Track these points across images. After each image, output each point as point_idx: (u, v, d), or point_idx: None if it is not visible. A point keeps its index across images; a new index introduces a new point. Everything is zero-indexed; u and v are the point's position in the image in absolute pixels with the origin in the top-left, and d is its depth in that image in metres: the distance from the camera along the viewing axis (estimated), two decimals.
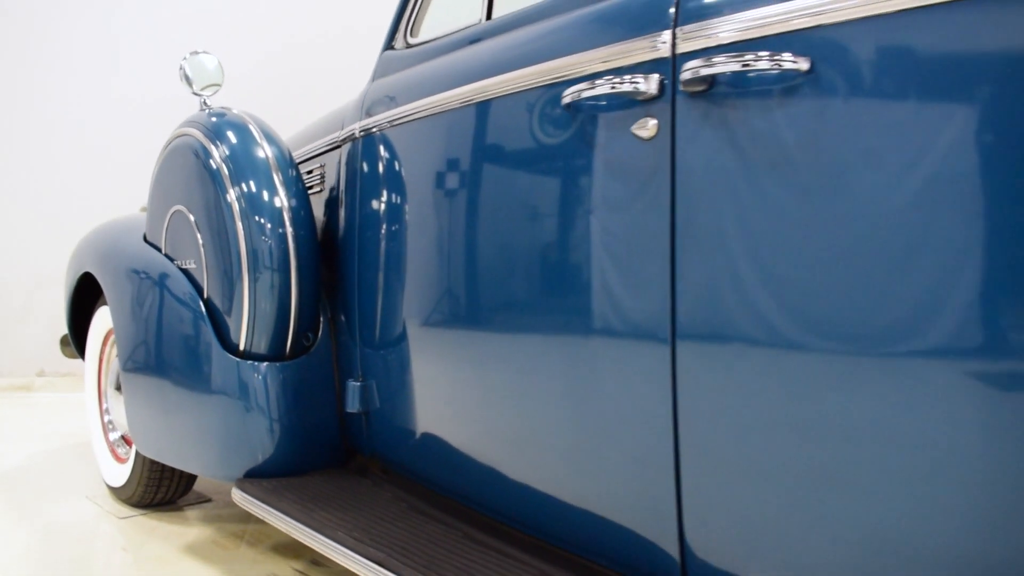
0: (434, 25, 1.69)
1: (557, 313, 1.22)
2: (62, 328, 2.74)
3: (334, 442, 1.80)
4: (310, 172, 2.02)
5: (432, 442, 1.54)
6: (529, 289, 1.27)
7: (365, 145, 1.68)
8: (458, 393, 1.46)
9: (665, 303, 1.03)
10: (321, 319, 1.84)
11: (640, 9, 1.07)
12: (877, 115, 0.86)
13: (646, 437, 1.08)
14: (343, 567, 1.49)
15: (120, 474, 2.34)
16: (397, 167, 1.61)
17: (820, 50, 0.88)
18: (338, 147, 1.82)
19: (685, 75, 0.96)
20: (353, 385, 1.72)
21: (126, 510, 2.33)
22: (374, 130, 1.66)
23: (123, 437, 2.41)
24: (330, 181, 1.90)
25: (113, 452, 2.42)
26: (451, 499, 1.52)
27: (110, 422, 2.46)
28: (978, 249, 0.78)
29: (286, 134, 2.04)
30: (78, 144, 4.65)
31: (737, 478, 0.98)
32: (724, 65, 0.93)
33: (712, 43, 0.96)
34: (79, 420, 3.29)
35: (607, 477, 1.16)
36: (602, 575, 1.17)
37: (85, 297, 2.50)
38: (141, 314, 2.00)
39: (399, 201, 1.59)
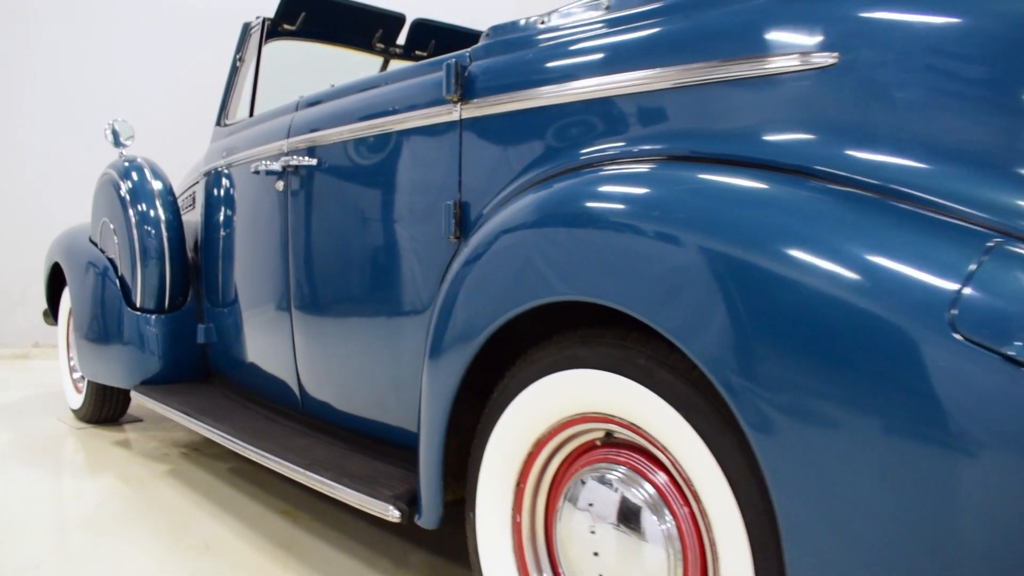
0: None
1: (264, 285, 2.33)
2: (44, 304, 3.86)
3: (196, 364, 2.90)
4: (188, 197, 3.12)
5: (239, 359, 2.63)
6: (260, 271, 2.38)
7: (208, 182, 2.78)
8: (249, 331, 2.55)
9: (286, 276, 2.13)
10: (190, 288, 2.94)
11: (279, 126, 2.18)
12: (338, 184, 1.93)
13: (283, 343, 2.18)
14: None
15: (78, 400, 3.45)
16: (223, 195, 2.70)
17: (320, 155, 1.98)
18: (199, 182, 2.92)
19: (284, 162, 2.06)
20: (201, 327, 2.82)
21: (81, 424, 3.43)
22: (213, 172, 2.75)
23: (82, 376, 3.51)
24: (197, 204, 3.00)
25: (75, 385, 3.53)
26: (245, 389, 2.62)
27: (73, 366, 3.57)
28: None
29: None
30: (69, 152, 5.31)
31: (320, 354, 2.06)
32: (296, 159, 2.02)
33: (296, 147, 2.06)
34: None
35: (278, 361, 2.26)
36: (270, 406, 2.30)
37: (57, 280, 3.61)
38: (85, 288, 3.11)
39: (223, 215, 2.68)
